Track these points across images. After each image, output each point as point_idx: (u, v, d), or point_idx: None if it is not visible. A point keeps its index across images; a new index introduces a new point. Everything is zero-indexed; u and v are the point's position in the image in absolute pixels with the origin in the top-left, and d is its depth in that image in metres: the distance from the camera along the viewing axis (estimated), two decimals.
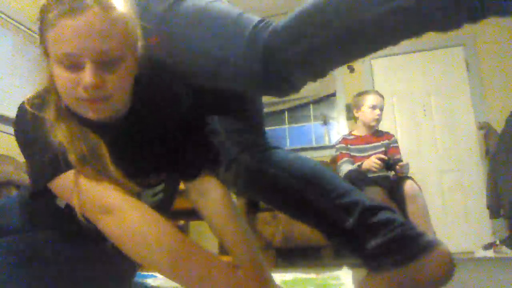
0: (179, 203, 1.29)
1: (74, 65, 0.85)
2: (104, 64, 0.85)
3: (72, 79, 0.85)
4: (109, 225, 0.86)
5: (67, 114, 0.92)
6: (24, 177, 2.80)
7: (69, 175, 0.88)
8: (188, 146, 1.07)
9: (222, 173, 1.15)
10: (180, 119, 1.05)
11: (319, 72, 0.95)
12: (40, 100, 0.95)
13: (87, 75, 0.84)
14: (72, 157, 0.87)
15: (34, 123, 0.92)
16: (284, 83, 0.93)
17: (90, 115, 0.90)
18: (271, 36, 0.89)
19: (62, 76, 0.87)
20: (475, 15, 0.74)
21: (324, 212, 1.09)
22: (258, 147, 1.20)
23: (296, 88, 0.96)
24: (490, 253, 3.57)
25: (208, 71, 0.99)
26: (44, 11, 0.87)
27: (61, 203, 1.00)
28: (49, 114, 0.92)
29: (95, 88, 0.85)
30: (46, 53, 0.90)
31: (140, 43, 0.93)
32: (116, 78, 0.87)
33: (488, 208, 3.83)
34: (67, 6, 0.83)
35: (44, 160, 0.89)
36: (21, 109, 0.96)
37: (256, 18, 0.95)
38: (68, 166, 0.88)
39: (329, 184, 1.11)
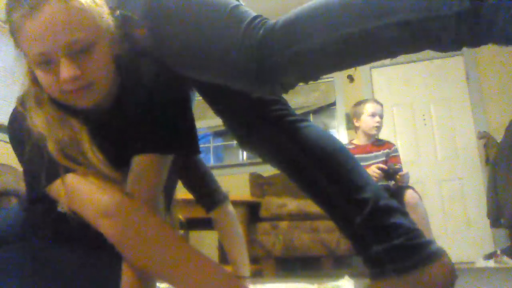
0: (179, 213, 1.28)
1: (49, 62, 0.86)
2: (77, 53, 0.86)
3: (52, 77, 0.87)
4: (109, 228, 0.86)
5: (48, 102, 0.94)
6: (23, 186, 2.79)
7: (67, 179, 0.88)
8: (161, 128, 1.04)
9: (245, 138, 1.13)
10: (163, 106, 1.03)
11: (312, 76, 0.94)
12: (25, 96, 0.98)
13: (63, 70, 0.85)
14: (50, 145, 0.89)
15: (27, 127, 0.94)
16: (277, 84, 0.91)
17: (78, 104, 0.92)
18: (267, 35, 0.86)
19: (42, 76, 0.89)
20: (475, 41, 0.73)
21: (335, 203, 1.06)
22: (278, 117, 1.11)
23: (286, 89, 0.94)
24: (491, 263, 3.55)
25: (198, 66, 0.97)
26: (8, 14, 0.88)
27: (63, 209, 1.00)
28: (29, 104, 0.95)
29: (74, 79, 0.86)
30: (22, 54, 0.92)
31: (110, 23, 0.94)
32: (93, 64, 0.89)
33: (488, 217, 3.82)
34: (27, 7, 0.83)
35: (40, 165, 0.89)
36: (13, 113, 0.98)
37: (251, 13, 0.92)
38: (65, 170, 0.88)
39: (346, 174, 1.06)
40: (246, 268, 1.88)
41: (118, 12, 1.00)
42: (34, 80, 0.94)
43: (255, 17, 0.90)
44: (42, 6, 0.83)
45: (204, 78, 1.01)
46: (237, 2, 0.94)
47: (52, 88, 0.90)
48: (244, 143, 1.16)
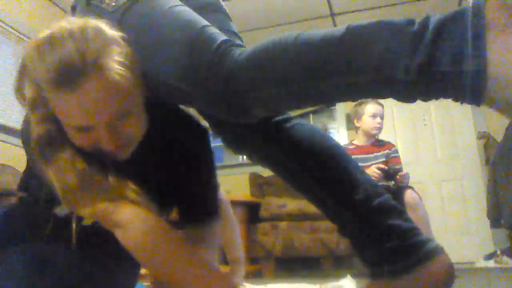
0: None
1: (87, 130, 0.84)
2: (116, 122, 0.85)
3: (89, 140, 0.86)
4: (121, 238, 0.89)
5: (68, 146, 0.91)
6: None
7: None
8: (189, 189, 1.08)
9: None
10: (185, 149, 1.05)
11: (278, 111, 0.95)
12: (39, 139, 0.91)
13: (105, 142, 0.84)
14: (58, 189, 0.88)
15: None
16: (243, 113, 0.89)
17: (114, 158, 0.91)
18: (232, 69, 0.83)
19: (78, 136, 0.86)
20: (427, 99, 0.77)
21: (329, 206, 1.05)
22: (263, 120, 1.06)
23: (253, 119, 0.93)
24: (491, 263, 3.55)
25: (166, 87, 0.92)
26: (38, 70, 0.82)
27: (61, 213, 1.00)
28: (47, 150, 0.90)
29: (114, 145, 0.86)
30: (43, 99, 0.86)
31: (139, 74, 0.90)
32: (131, 127, 0.88)
33: (488, 217, 3.81)
34: (64, 78, 0.78)
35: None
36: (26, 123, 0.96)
37: (220, 36, 0.87)
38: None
39: (336, 176, 1.05)
40: (239, 251, 1.95)
41: None
42: (51, 120, 0.88)
43: (222, 42, 0.86)
44: (81, 82, 0.78)
45: (174, 99, 0.99)
46: (205, 23, 0.91)
47: (86, 146, 0.87)
48: (231, 148, 1.14)
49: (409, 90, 0.74)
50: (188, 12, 0.94)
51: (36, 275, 0.98)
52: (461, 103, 0.74)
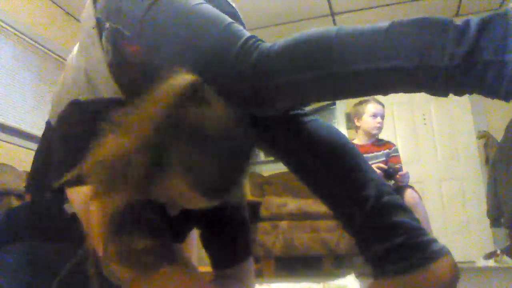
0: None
1: None
2: None
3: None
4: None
5: None
6: (23, 186, 2.79)
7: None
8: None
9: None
10: None
11: (303, 103, 0.96)
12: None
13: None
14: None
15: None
16: (267, 106, 0.91)
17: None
18: (261, 59, 0.86)
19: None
20: (460, 93, 0.79)
21: (337, 200, 1.05)
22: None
23: (277, 111, 0.95)
24: (491, 263, 3.55)
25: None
26: None
27: (69, 209, 1.00)
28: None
29: None
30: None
31: None
32: None
33: (488, 217, 3.82)
34: None
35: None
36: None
37: (245, 33, 0.91)
38: None
39: (349, 171, 1.05)
40: None
41: (108, 24, 0.99)
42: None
43: (249, 38, 0.89)
44: None
45: None
46: (230, 20, 0.94)
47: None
48: None
49: (448, 79, 0.76)
50: (213, 10, 0.96)
51: (37, 274, 0.98)
52: (493, 98, 0.78)
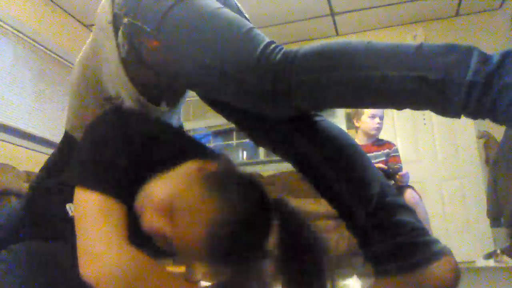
0: None
1: None
2: None
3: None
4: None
5: None
6: (23, 186, 2.79)
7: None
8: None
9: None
10: None
11: (323, 107, 0.99)
12: None
13: None
14: None
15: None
16: (288, 108, 0.94)
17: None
18: (286, 61, 0.89)
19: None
20: (475, 113, 0.81)
21: (342, 199, 1.06)
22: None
23: (297, 113, 0.98)
24: (491, 263, 3.55)
25: (210, 84, 0.97)
26: None
27: (70, 210, 1.00)
28: None
29: None
30: None
31: None
32: None
33: (488, 217, 3.81)
34: None
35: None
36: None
37: (265, 37, 0.94)
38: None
39: (354, 170, 1.07)
40: None
41: (126, 20, 1.00)
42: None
43: (271, 42, 0.92)
44: None
45: (217, 96, 1.03)
46: (251, 25, 0.96)
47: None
48: (258, 140, 1.17)
49: (469, 95, 0.78)
50: (234, 14, 0.99)
51: (38, 273, 0.98)
52: (501, 124, 0.82)
